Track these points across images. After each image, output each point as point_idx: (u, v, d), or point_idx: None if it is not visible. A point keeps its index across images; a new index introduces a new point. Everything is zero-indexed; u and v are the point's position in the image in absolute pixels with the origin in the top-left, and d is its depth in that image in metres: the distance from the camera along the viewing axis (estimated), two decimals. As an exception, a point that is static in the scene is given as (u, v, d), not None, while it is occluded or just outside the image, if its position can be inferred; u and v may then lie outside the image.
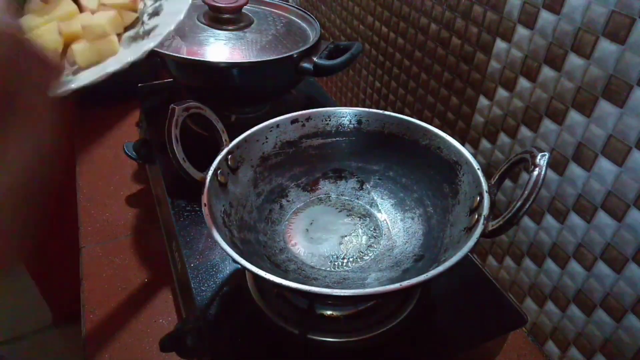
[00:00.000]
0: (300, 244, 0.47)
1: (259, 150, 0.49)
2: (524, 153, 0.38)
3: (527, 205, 0.35)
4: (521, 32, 0.50)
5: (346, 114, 0.52)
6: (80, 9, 0.43)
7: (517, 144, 0.54)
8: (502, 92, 0.55)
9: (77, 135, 0.89)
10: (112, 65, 0.37)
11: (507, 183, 0.56)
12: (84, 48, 0.39)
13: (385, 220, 0.50)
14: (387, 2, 0.74)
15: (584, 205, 0.47)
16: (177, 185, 0.57)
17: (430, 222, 0.47)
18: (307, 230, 0.49)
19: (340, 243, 0.47)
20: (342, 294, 0.34)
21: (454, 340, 0.43)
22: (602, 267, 0.46)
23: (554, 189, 0.50)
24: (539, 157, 0.36)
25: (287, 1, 0.77)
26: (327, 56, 0.63)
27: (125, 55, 0.39)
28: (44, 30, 0.39)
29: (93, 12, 0.42)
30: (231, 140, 0.47)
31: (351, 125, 0.52)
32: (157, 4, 0.45)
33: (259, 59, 0.60)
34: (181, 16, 0.42)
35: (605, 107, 0.43)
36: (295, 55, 0.61)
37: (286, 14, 0.74)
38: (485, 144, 0.60)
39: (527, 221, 0.54)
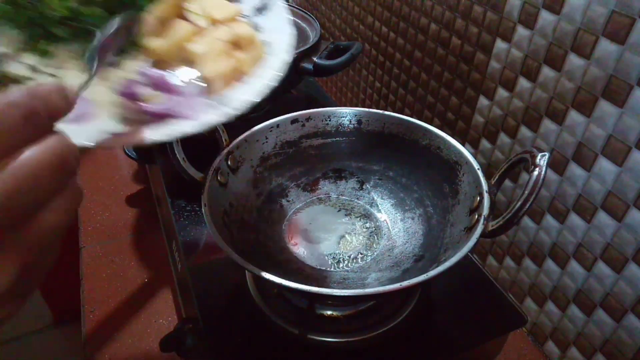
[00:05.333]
0: (300, 244, 0.47)
1: (259, 150, 0.49)
2: (524, 153, 0.38)
3: (527, 205, 0.35)
4: (521, 32, 0.50)
5: (346, 114, 0.51)
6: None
7: (517, 144, 0.54)
8: (502, 92, 0.55)
9: (77, 135, 0.88)
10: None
11: (507, 183, 0.56)
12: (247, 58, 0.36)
13: (385, 220, 0.50)
14: (387, 2, 0.74)
15: (584, 205, 0.47)
16: (177, 185, 0.57)
17: (430, 222, 0.47)
18: (307, 230, 0.49)
19: (340, 243, 0.47)
20: (342, 294, 0.34)
21: (454, 340, 0.43)
22: (602, 267, 0.46)
23: (554, 189, 0.50)
24: (539, 157, 0.36)
25: (287, 1, 0.77)
26: (327, 56, 0.63)
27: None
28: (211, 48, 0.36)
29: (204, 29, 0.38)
30: (231, 140, 0.47)
31: (351, 125, 0.52)
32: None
33: (259, 59, 0.60)
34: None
35: (605, 107, 0.43)
36: (295, 55, 0.61)
37: (286, 14, 0.73)
38: (485, 144, 0.60)
39: (527, 221, 0.54)
